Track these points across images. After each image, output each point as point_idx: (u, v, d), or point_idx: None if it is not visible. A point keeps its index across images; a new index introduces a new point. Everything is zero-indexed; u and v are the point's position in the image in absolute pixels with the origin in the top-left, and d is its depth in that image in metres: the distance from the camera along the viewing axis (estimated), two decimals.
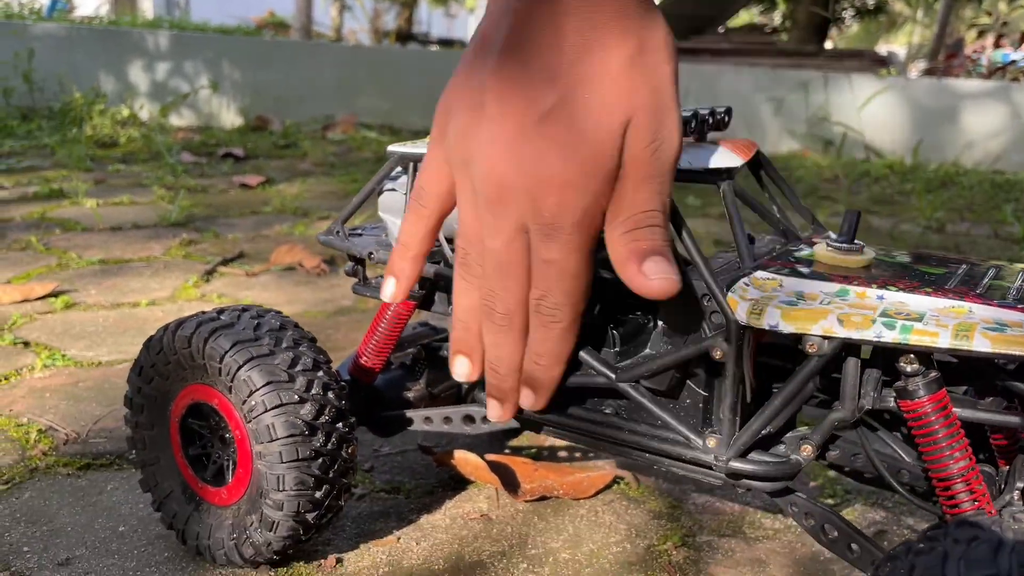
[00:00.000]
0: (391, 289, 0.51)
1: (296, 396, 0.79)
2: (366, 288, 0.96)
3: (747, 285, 0.68)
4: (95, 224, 2.32)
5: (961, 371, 0.73)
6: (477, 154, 0.41)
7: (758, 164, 0.86)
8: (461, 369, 0.47)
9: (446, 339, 1.00)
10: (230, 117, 4.54)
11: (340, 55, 5.00)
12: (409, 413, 0.93)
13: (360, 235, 0.95)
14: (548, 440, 1.18)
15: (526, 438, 1.19)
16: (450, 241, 0.85)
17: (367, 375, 0.94)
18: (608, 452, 0.78)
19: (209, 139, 4.00)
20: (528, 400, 0.46)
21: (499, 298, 0.43)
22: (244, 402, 0.79)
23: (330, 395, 0.82)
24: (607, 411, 0.77)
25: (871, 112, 4.36)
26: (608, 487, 1.05)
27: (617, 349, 0.75)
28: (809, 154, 4.39)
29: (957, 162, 4.25)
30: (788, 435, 0.72)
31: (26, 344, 1.46)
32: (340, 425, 0.82)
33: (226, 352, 0.79)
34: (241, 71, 4.59)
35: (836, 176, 3.86)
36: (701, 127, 0.78)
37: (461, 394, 1.03)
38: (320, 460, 0.80)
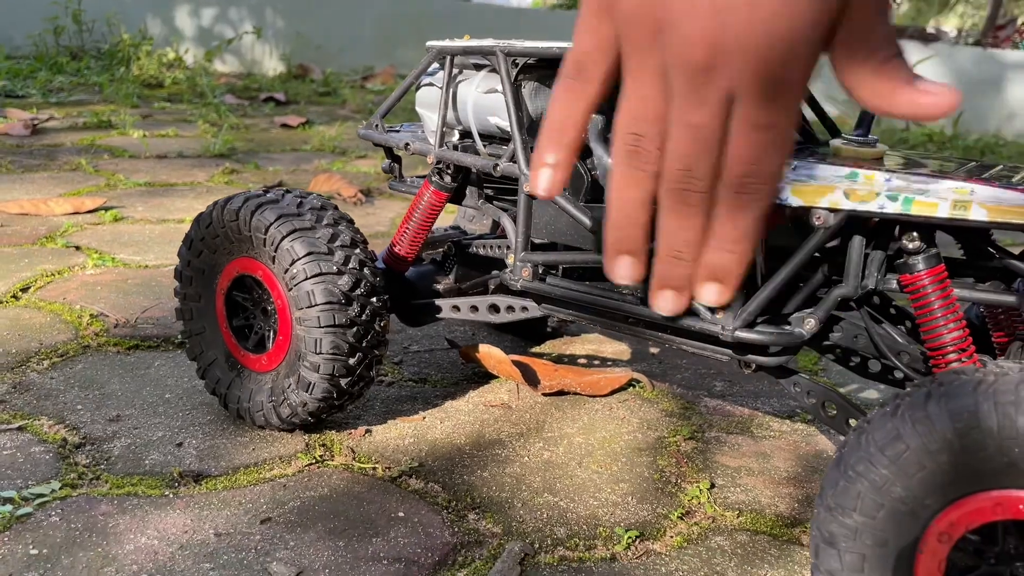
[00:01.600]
0: (546, 181, 0.41)
1: (334, 267, 0.85)
2: (402, 184, 1.02)
3: None
4: (142, 152, 2.40)
5: (967, 264, 0.77)
6: (677, 17, 0.35)
7: None
8: (624, 270, 0.41)
9: (476, 238, 1.06)
10: (272, 64, 4.61)
11: (381, 7, 5.03)
12: (438, 302, 0.98)
13: (398, 131, 1.00)
14: (569, 348, 1.24)
15: (548, 345, 1.24)
16: (483, 136, 0.90)
17: (400, 264, 0.99)
18: (623, 332, 0.83)
19: (251, 84, 4.07)
20: (713, 294, 0.39)
21: (698, 178, 0.37)
22: (286, 271, 0.85)
23: (366, 271, 0.87)
24: (624, 292, 0.82)
25: None
26: (624, 388, 1.11)
27: None
28: (848, 121, 4.37)
29: (998, 133, 4.21)
30: (795, 315, 0.76)
31: (77, 248, 1.53)
32: (374, 300, 0.87)
33: (271, 224, 0.85)
34: (284, 19, 4.64)
35: None
36: None
37: (488, 291, 1.09)
38: (354, 329, 0.85)
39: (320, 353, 0.84)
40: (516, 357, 1.12)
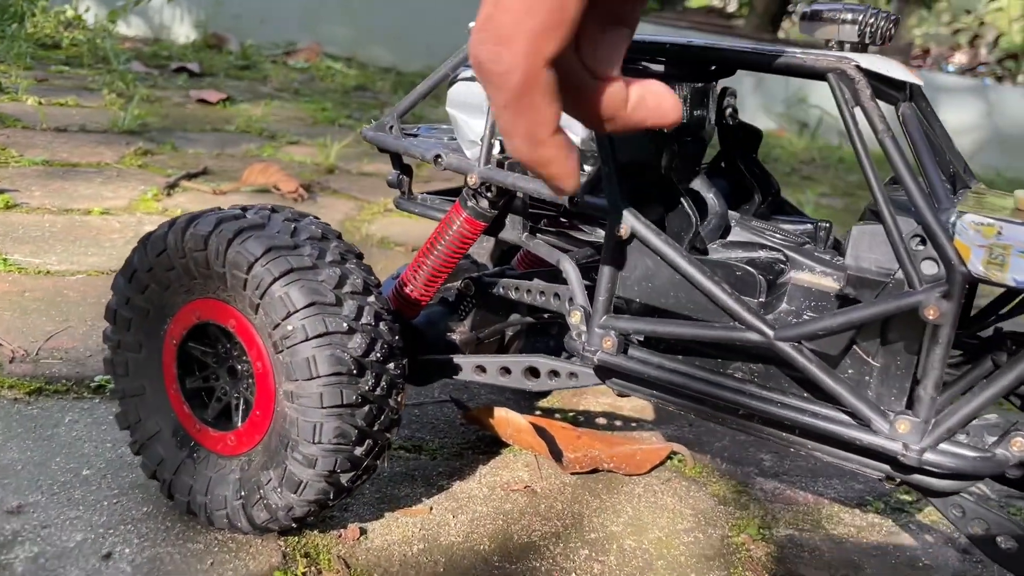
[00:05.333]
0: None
1: (345, 324, 0.61)
2: (413, 203, 0.79)
3: (971, 228, 0.53)
4: (38, 123, 2.06)
5: None
6: None
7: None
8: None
9: (498, 275, 0.84)
10: (184, 31, 4.22)
11: None
12: (457, 359, 0.76)
13: (415, 135, 0.78)
14: (583, 402, 1.03)
15: (557, 398, 1.03)
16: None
17: (410, 308, 0.76)
18: (732, 426, 0.63)
19: (160, 51, 3.70)
20: None
21: None
22: (276, 326, 0.61)
23: (382, 327, 0.64)
24: (738, 375, 0.62)
25: None
26: (662, 463, 0.91)
27: (762, 299, 0.60)
28: (784, 134, 4.30)
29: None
30: (975, 423, 0.57)
31: None
32: (391, 366, 0.65)
33: (257, 259, 0.61)
34: None
35: (812, 159, 3.79)
36: (863, 34, 0.62)
37: (505, 341, 0.87)
38: (367, 408, 0.62)
39: (320, 443, 0.61)
40: (528, 419, 0.91)
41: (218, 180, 1.81)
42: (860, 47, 0.62)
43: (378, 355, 0.63)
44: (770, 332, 0.56)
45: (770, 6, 8.02)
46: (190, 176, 1.79)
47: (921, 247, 0.52)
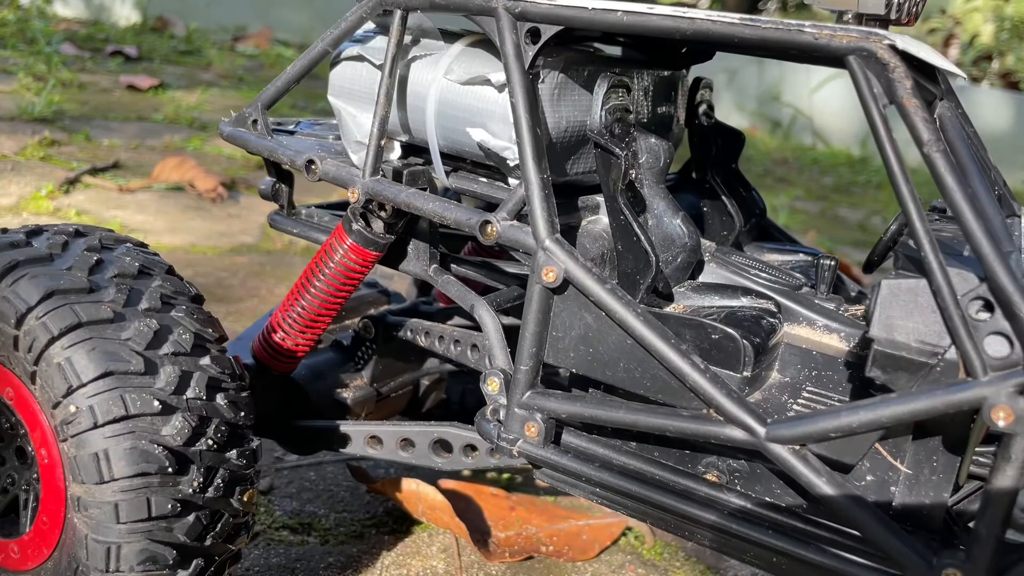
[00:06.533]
0: None
1: (156, 402, 0.43)
2: (292, 222, 0.61)
3: None
4: None
5: None
6: None
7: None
8: None
9: (408, 313, 0.66)
10: (125, 12, 3.99)
11: None
12: (345, 427, 0.58)
13: (290, 133, 0.60)
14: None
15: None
16: (447, 157, 0.51)
17: (284, 360, 0.58)
18: (701, 544, 0.46)
19: (97, 33, 3.47)
20: None
21: None
22: (57, 404, 0.43)
23: (220, 401, 0.46)
24: (712, 476, 0.45)
25: (823, 97, 4.16)
26: (614, 542, 0.74)
27: (747, 373, 0.42)
28: (757, 132, 4.17)
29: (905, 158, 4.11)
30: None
31: None
32: (233, 455, 0.47)
33: (30, 309, 0.43)
34: None
35: (786, 159, 3.66)
36: (890, 5, 0.46)
37: (419, 395, 0.69)
38: (192, 517, 0.44)
39: (117, 571, 0.43)
40: (450, 484, 0.73)
41: (129, 175, 1.61)
42: (883, 23, 0.45)
43: (211, 441, 0.45)
44: (760, 430, 0.39)
45: (741, 4, 7.97)
46: (96, 170, 1.59)
47: (986, 315, 0.35)
